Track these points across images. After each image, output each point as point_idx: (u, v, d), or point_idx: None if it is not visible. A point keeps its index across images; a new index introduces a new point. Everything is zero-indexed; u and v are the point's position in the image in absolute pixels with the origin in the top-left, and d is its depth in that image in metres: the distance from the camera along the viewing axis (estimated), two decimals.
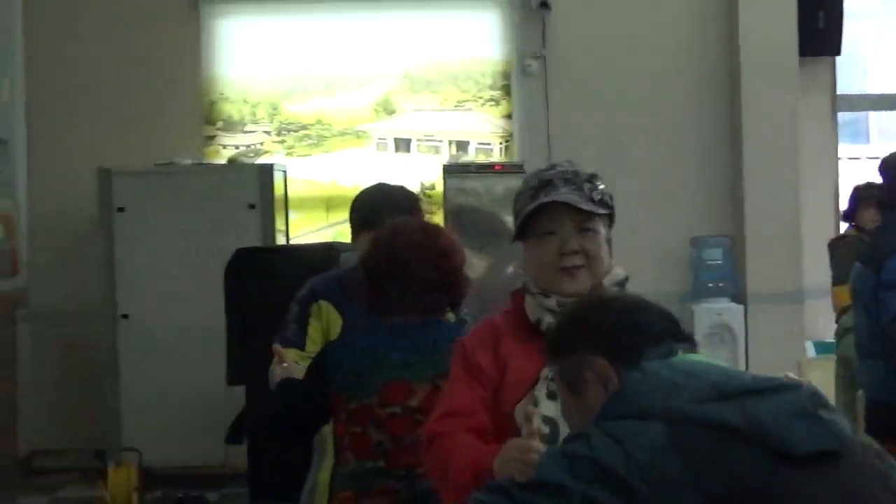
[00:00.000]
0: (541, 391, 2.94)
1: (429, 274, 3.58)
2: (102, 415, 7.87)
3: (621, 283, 3.06)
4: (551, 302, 3.01)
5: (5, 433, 6.90)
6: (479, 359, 3.04)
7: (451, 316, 3.81)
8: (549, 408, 2.90)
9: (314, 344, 4.29)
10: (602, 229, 3.06)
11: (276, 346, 4.11)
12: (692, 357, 2.43)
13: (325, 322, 4.33)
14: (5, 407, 6.89)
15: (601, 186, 3.06)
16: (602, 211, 3.04)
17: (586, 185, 3.04)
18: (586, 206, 3.01)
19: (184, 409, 7.70)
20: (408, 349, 3.55)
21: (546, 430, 2.87)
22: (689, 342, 2.48)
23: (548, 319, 2.99)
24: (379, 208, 4.30)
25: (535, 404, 2.92)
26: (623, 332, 2.44)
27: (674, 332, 2.48)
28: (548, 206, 3.00)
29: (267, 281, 6.62)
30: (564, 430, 2.84)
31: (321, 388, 3.60)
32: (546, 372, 2.92)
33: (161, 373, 7.72)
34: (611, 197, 3.08)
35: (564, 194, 3.01)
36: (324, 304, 4.37)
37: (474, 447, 2.91)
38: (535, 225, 3.04)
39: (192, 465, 7.70)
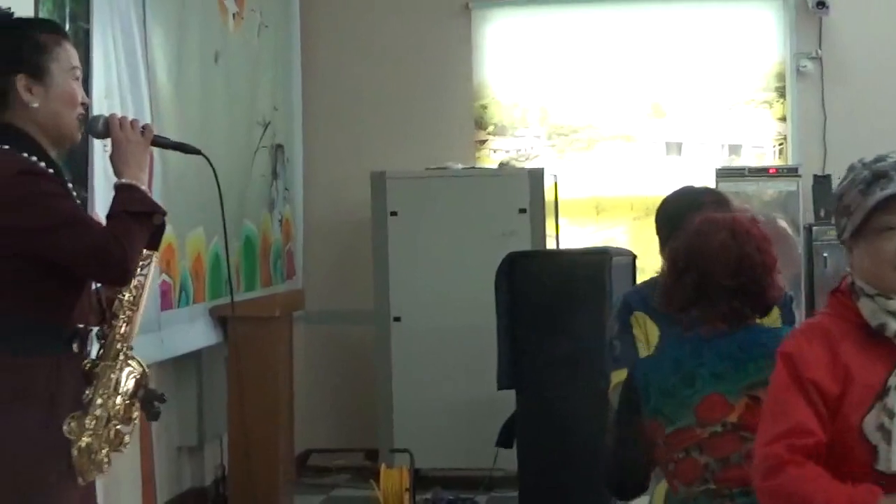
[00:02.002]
0: (894, 401, 2.74)
1: (727, 280, 3.31)
2: (375, 416, 7.99)
3: None
4: (895, 304, 2.81)
5: (284, 432, 7.05)
6: (811, 373, 2.80)
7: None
8: None
9: None
10: None
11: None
12: None
13: (645, 333, 4.20)
14: (284, 406, 7.04)
15: None
16: None
17: None
18: None
19: (454, 411, 7.76)
20: (716, 360, 3.27)
21: None
22: None
23: (893, 323, 2.80)
24: (684, 216, 3.80)
25: (891, 416, 2.72)
26: None
27: None
28: (889, 200, 2.78)
29: (538, 285, 6.63)
30: None
31: (635, 413, 3.36)
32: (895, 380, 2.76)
33: (433, 375, 7.79)
34: None
35: None
36: (640, 314, 4.22)
37: (835, 485, 2.70)
38: (869, 221, 2.81)
39: (462, 467, 7.74)
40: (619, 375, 4.24)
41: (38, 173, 3.14)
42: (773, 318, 3.83)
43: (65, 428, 3.11)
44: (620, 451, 3.44)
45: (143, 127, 3.36)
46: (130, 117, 3.41)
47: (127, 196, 3.24)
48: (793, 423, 2.77)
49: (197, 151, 3.54)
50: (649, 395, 3.31)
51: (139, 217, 3.21)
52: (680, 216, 3.89)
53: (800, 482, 2.72)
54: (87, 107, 3.34)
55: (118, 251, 3.11)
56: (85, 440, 3.14)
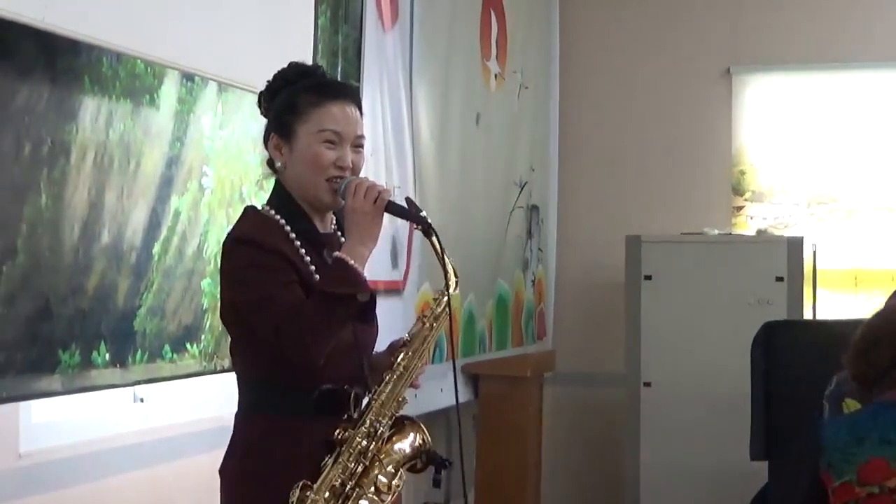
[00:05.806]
0: None
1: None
2: (622, 481, 7.91)
3: None
4: None
5: (530, 492, 7.07)
6: None
7: None
8: None
9: None
10: None
11: None
12: None
13: None
14: (531, 466, 7.06)
15: None
16: None
17: None
18: None
19: (704, 480, 7.62)
20: (889, 426, 3.43)
21: None
22: None
23: None
24: None
25: None
26: None
27: None
28: None
29: (794, 355, 6.49)
30: None
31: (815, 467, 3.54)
32: None
33: (682, 442, 7.67)
34: None
35: None
36: (850, 401, 4.31)
37: None
38: None
39: None
40: None
41: (254, 243, 3.11)
42: None
43: (291, 499, 3.02)
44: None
45: (379, 192, 3.18)
46: (377, 181, 3.34)
47: (333, 274, 3.11)
48: None
49: (423, 220, 3.22)
50: (825, 451, 3.51)
51: (338, 299, 3.06)
52: None
53: None
54: (344, 169, 3.22)
55: (292, 337, 3.01)
56: None
